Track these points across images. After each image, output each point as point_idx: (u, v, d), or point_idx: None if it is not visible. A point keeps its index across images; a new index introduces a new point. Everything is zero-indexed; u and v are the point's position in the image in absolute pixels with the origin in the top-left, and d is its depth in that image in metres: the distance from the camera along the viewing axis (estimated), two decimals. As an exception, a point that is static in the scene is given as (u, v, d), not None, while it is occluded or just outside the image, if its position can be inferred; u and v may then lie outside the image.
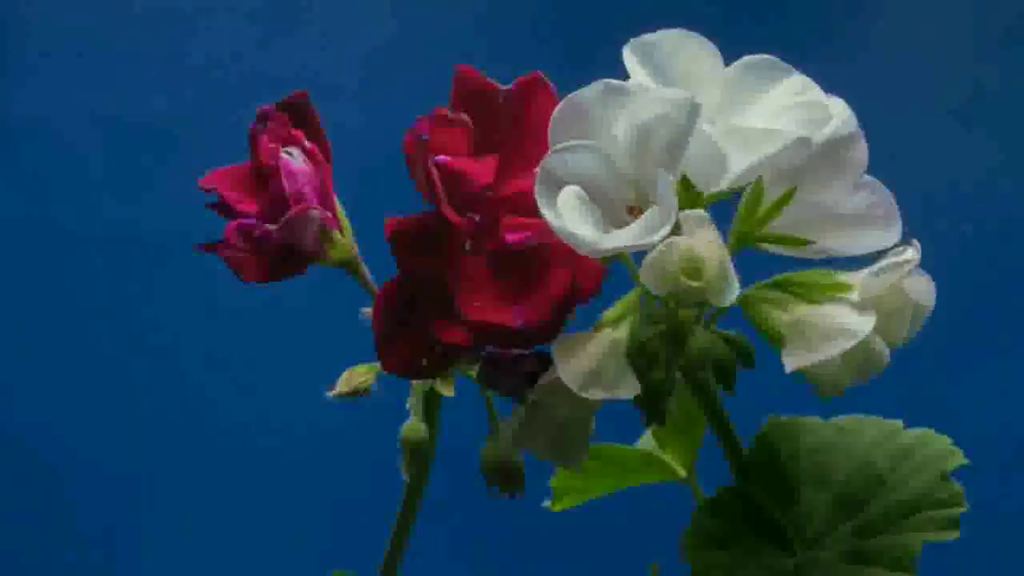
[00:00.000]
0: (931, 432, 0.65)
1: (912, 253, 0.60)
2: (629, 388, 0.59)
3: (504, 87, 0.62)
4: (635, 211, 0.58)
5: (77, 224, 1.44)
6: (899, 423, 0.66)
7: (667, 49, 0.60)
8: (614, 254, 0.59)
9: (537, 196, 0.58)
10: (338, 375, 0.67)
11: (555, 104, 0.61)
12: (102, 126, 1.45)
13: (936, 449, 0.64)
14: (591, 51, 1.40)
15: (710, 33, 0.61)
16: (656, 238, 0.56)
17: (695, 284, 0.57)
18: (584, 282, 0.59)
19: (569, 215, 0.57)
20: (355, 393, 0.66)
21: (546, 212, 0.57)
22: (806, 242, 0.60)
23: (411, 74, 1.33)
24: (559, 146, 0.58)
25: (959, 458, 0.64)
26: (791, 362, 0.58)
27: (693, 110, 0.57)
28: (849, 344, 0.58)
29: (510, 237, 0.59)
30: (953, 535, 0.62)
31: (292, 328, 1.41)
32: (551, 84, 0.62)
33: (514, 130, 0.62)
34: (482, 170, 0.60)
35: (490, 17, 1.47)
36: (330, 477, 1.40)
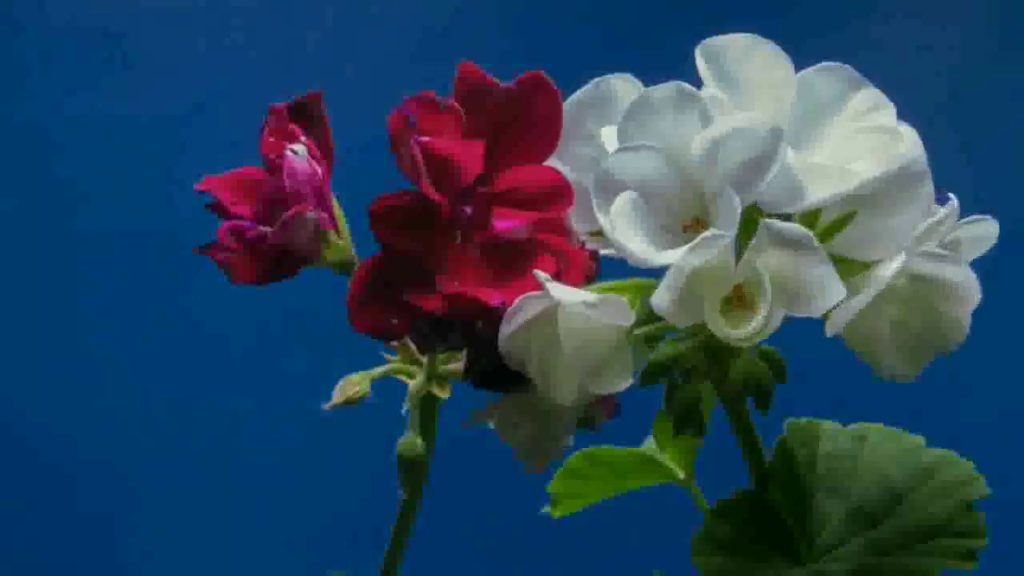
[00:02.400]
0: (953, 454, 0.64)
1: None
2: (615, 311, 0.57)
3: (505, 84, 0.62)
4: (692, 225, 0.57)
5: (77, 225, 1.44)
6: (920, 439, 0.65)
7: (737, 53, 0.59)
8: None
9: (593, 200, 0.57)
10: (337, 375, 0.66)
11: (556, 102, 0.62)
12: (104, 126, 1.45)
13: (958, 474, 0.63)
14: (596, 52, 1.40)
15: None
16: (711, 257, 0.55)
17: (735, 332, 0.55)
18: (571, 277, 0.59)
19: (622, 226, 0.56)
20: (350, 403, 0.66)
21: (600, 219, 0.56)
22: (866, 265, 0.59)
23: (414, 74, 1.32)
24: (622, 145, 0.57)
25: (982, 487, 0.63)
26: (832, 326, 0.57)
27: (777, 136, 0.56)
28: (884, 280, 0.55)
29: (500, 224, 0.59)
30: (970, 567, 0.61)
31: (292, 329, 1.41)
32: (552, 83, 0.62)
33: (513, 126, 0.62)
34: (470, 156, 0.60)
35: (493, 17, 1.46)
36: (330, 477, 1.40)
